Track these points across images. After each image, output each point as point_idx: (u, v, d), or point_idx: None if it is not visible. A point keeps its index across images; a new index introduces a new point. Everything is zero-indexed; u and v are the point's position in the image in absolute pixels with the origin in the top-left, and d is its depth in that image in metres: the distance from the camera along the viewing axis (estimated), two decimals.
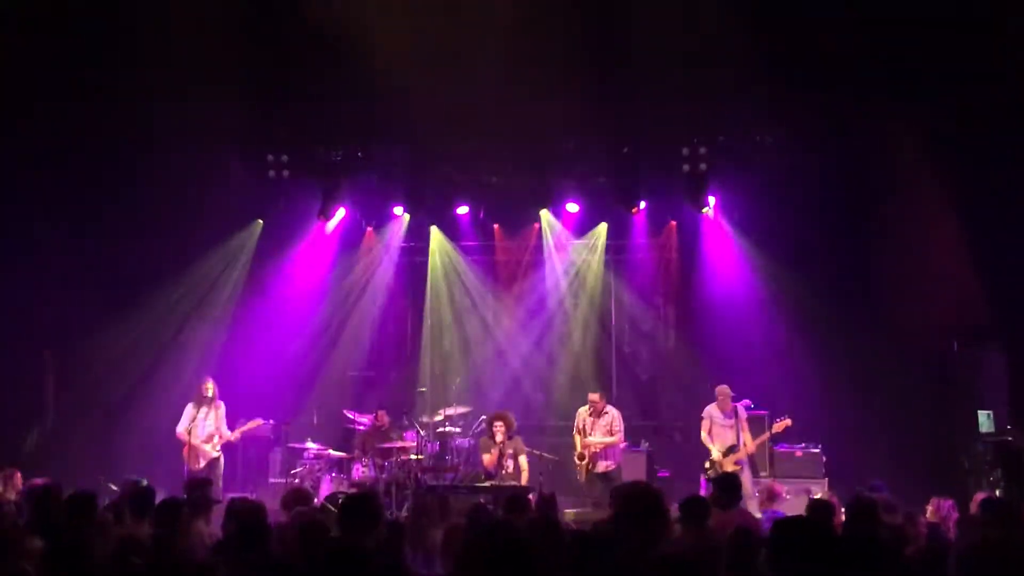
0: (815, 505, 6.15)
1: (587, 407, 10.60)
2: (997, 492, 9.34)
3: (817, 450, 10.88)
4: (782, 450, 10.92)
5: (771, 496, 8.04)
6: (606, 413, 10.54)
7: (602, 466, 10.41)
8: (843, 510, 8.09)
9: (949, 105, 9.73)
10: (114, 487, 9.04)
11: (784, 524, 3.02)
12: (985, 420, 10.42)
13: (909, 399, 11.28)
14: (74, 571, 4.20)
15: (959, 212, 10.63)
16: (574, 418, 11.15)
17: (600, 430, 10.47)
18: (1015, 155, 9.64)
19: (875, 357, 11.60)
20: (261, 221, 12.64)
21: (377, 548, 5.05)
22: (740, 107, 10.07)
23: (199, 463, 10.41)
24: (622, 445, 10.72)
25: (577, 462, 10.50)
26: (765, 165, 11.54)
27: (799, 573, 2.82)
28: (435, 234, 13.34)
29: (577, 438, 10.56)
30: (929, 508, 7.32)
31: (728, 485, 6.71)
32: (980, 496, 7.59)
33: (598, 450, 10.43)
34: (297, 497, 6.42)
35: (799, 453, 10.88)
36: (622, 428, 10.57)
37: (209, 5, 9.52)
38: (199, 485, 7.35)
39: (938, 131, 10.23)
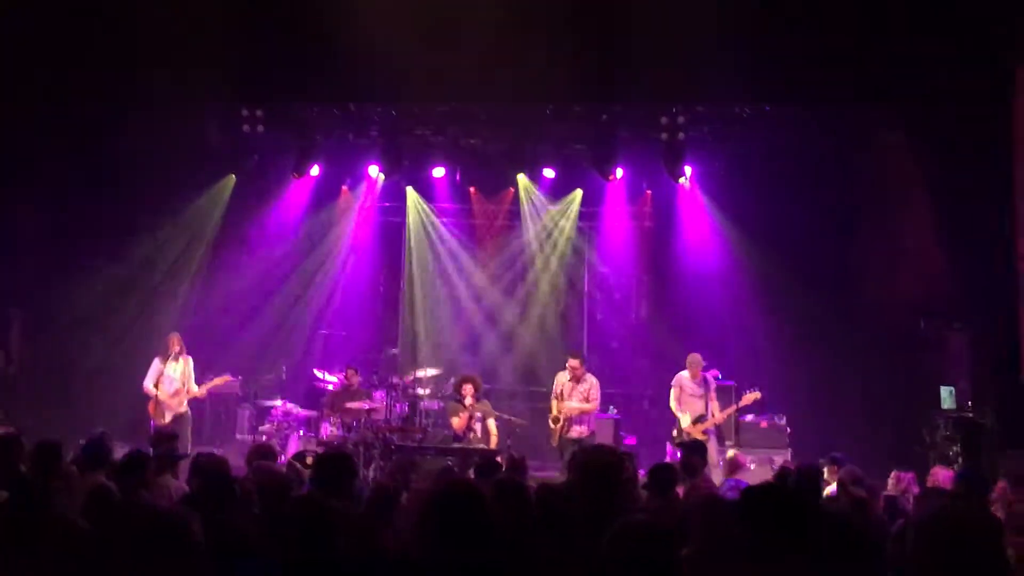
0: (783, 472, 6.20)
1: (566, 372, 10.62)
2: (955, 467, 9.50)
3: (782, 422, 11.01)
4: (748, 420, 11.04)
5: (734, 466, 8.13)
6: (584, 380, 10.56)
7: (575, 431, 10.46)
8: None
9: (922, 87, 9.77)
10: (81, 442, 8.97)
11: (754, 491, 3.04)
12: (947, 396, 10.58)
13: (875, 374, 11.46)
14: (37, 520, 4.17)
15: (928, 192, 10.73)
16: (544, 384, 11.21)
17: (577, 396, 10.50)
18: (983, 136, 9.73)
19: (843, 332, 11.75)
20: (234, 176, 12.50)
21: (366, 511, 5.07)
22: (720, 77, 10.02)
23: (165, 418, 10.33)
24: (598, 412, 10.81)
25: (551, 425, 10.53)
26: (743, 137, 11.57)
27: (772, 539, 2.84)
28: (411, 195, 13.30)
29: (554, 403, 10.58)
30: (890, 481, 7.45)
31: (695, 449, 6.78)
32: (939, 470, 7.73)
33: (573, 415, 10.48)
34: (261, 452, 6.40)
35: (764, 424, 11.00)
36: (599, 397, 10.61)
37: None
38: (165, 439, 7.30)
39: (910, 113, 10.30)
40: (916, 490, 7.03)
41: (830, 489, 6.93)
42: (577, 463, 4.56)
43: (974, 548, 2.69)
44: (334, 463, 4.89)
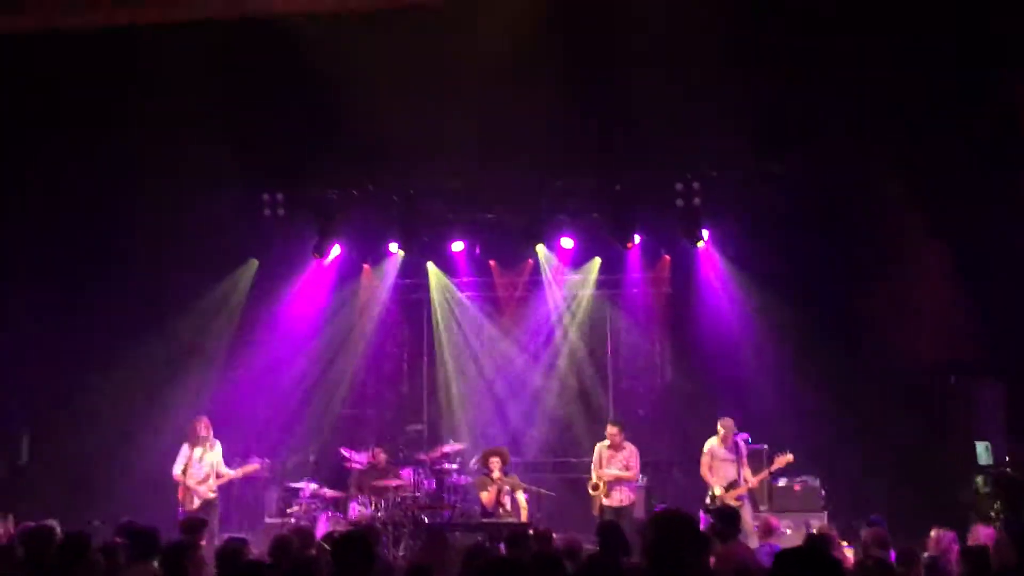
0: (813, 538, 6.11)
1: (606, 441, 10.59)
2: (996, 524, 9.28)
3: (816, 483, 10.82)
4: (781, 485, 10.86)
5: (768, 530, 8.00)
6: (624, 448, 10.55)
7: (616, 499, 10.39)
8: (843, 543, 8.07)
9: (941, 139, 9.82)
10: (97, 523, 8.97)
11: (786, 555, 3.00)
12: (983, 452, 10.40)
13: (907, 432, 11.25)
14: None
15: (952, 245, 10.69)
16: (571, 455, 11.14)
17: (617, 464, 10.47)
18: (1005, 187, 9.72)
19: (872, 390, 11.59)
20: (256, 260, 12.65)
21: None
22: (733, 142, 10.15)
23: (194, 504, 10.29)
24: (637, 482, 10.72)
25: (591, 492, 10.46)
26: (758, 199, 11.59)
27: None
28: (432, 270, 13.38)
29: (594, 471, 10.56)
30: (930, 540, 7.28)
31: (727, 517, 6.68)
32: (981, 528, 7.56)
33: (611, 482, 10.39)
34: (294, 539, 6.37)
35: (798, 487, 10.82)
36: (638, 465, 10.60)
37: (203, 46, 9.59)
38: (195, 526, 7.28)
39: (930, 165, 10.32)
40: (956, 549, 6.87)
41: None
42: (658, 524, 4.38)
43: None
44: (350, 545, 4.86)
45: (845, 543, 8.26)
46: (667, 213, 11.76)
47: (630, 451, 10.54)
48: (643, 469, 11.65)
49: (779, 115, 9.81)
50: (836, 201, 11.52)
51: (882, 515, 8.18)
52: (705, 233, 11.92)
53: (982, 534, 7.28)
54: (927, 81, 9.23)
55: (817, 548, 5.05)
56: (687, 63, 9.25)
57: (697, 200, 11.33)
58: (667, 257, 12.99)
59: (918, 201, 10.94)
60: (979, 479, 10.17)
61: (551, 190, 11.84)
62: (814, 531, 8.43)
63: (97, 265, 11.71)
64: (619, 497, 10.42)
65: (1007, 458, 10.17)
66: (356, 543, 4.89)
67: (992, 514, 9.75)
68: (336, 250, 12.69)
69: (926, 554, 6.92)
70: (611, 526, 6.43)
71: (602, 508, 10.38)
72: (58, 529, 6.33)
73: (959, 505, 10.31)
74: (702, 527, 9.11)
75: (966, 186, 9.97)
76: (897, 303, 11.61)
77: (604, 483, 10.41)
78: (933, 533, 7.30)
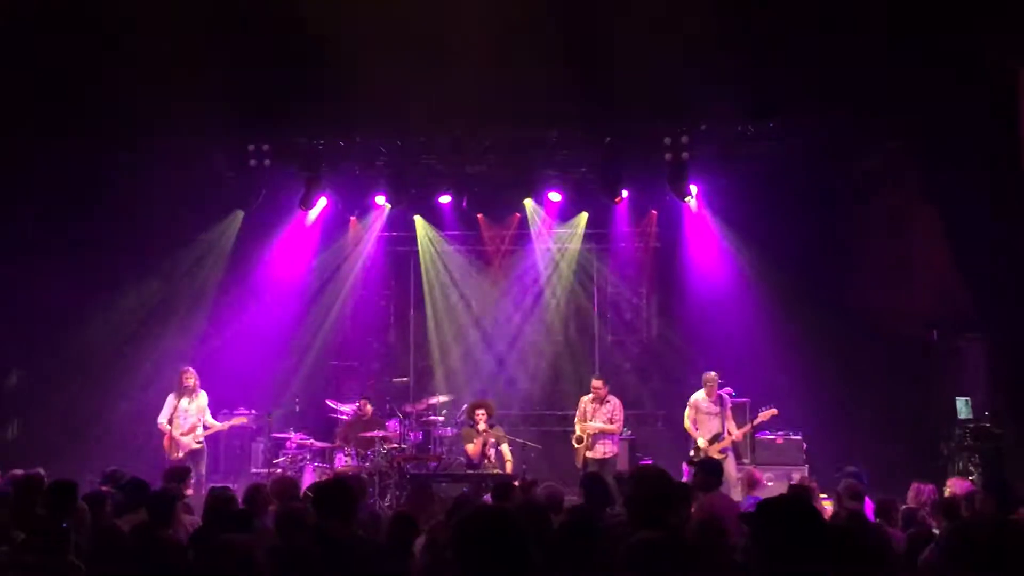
0: (795, 489, 6.20)
1: (590, 394, 10.67)
2: (972, 478, 9.44)
3: (798, 437, 10.97)
4: (763, 437, 11.00)
5: (751, 482, 8.10)
6: (607, 401, 10.63)
7: (599, 451, 10.51)
8: (823, 496, 8.20)
9: (931, 96, 9.78)
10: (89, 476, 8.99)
11: (768, 504, 3.04)
12: (963, 407, 10.52)
13: (890, 387, 11.39)
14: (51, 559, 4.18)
15: (940, 203, 10.70)
16: (557, 408, 11.22)
17: (601, 417, 10.56)
18: (994, 146, 9.71)
19: (856, 345, 11.70)
20: (242, 212, 12.56)
21: (388, 539, 5.07)
22: (723, 96, 10.08)
23: (179, 453, 10.36)
24: (620, 435, 10.84)
25: (575, 445, 10.59)
26: (747, 154, 11.57)
27: (783, 553, 2.84)
28: (420, 223, 13.35)
29: (578, 424, 10.66)
30: (910, 493, 7.40)
31: (710, 468, 6.77)
32: (956, 481, 7.68)
33: (595, 435, 10.50)
34: (282, 486, 6.41)
35: (780, 440, 10.96)
36: (622, 418, 10.70)
37: (183, 4, 9.45)
38: (177, 475, 7.33)
39: (920, 122, 10.29)
40: (935, 500, 6.99)
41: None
42: (636, 480, 4.47)
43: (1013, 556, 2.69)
44: (333, 491, 4.89)
45: (824, 495, 8.39)
46: (656, 168, 11.72)
47: (614, 404, 10.62)
48: (628, 422, 11.77)
49: (770, 70, 9.73)
50: (825, 159, 11.51)
51: (862, 468, 8.28)
52: (693, 188, 11.90)
53: (957, 487, 7.40)
54: (921, 42, 9.17)
55: (799, 497, 5.13)
56: (679, 16, 9.15)
57: (686, 155, 11.27)
58: (655, 212, 13.00)
59: (909, 159, 10.95)
60: (958, 433, 10.31)
61: (540, 143, 11.77)
62: (795, 482, 8.55)
63: (82, 216, 11.60)
64: (603, 450, 10.53)
65: (986, 413, 10.29)
66: (337, 490, 4.93)
67: (970, 467, 9.89)
68: (322, 202, 12.61)
69: (905, 506, 7.03)
70: (594, 478, 6.50)
71: (586, 460, 10.49)
72: (45, 477, 6.36)
73: (939, 459, 10.46)
74: (685, 479, 9.26)
75: (955, 146, 9.95)
76: (882, 259, 11.68)
77: (588, 436, 10.52)
78: (913, 486, 7.42)
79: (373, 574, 4.07)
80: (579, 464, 10.53)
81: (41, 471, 6.71)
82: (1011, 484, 7.19)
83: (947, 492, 7.27)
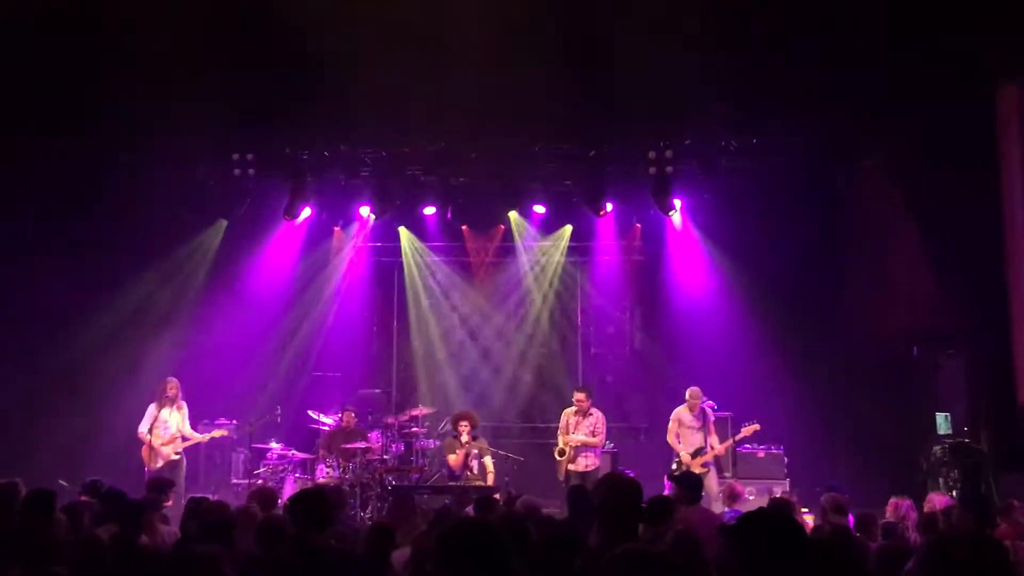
0: (776, 502, 6.22)
1: (573, 407, 10.65)
2: (953, 493, 9.49)
3: (780, 451, 11.00)
4: (745, 451, 11.03)
5: (732, 496, 8.12)
6: (590, 414, 10.60)
7: (582, 464, 10.48)
8: (803, 509, 8.23)
9: (911, 112, 9.89)
10: (63, 483, 8.92)
11: (749, 517, 3.05)
12: (943, 422, 10.59)
13: (870, 402, 11.45)
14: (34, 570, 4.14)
15: (920, 220, 10.81)
16: (540, 420, 11.20)
17: (583, 430, 10.53)
18: (974, 163, 9.81)
19: (837, 361, 11.78)
20: (225, 221, 12.53)
21: (365, 550, 5.05)
22: (707, 111, 10.15)
23: (158, 463, 10.29)
24: (603, 448, 10.82)
25: (557, 458, 10.54)
26: (731, 169, 11.65)
27: (763, 566, 2.85)
28: (404, 234, 13.35)
29: (560, 436, 10.60)
30: (888, 508, 7.44)
31: (690, 482, 6.79)
32: (935, 496, 7.71)
33: (578, 448, 10.48)
34: (262, 496, 6.38)
35: (762, 454, 11.00)
36: (604, 432, 10.67)
37: (177, 7, 9.43)
38: (161, 486, 7.29)
39: (899, 139, 10.39)
40: (914, 516, 7.02)
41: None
42: (605, 488, 4.47)
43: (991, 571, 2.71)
44: (309, 502, 4.87)
45: (805, 509, 8.43)
46: (640, 182, 11.78)
47: (597, 417, 10.62)
48: (611, 435, 11.77)
49: (755, 86, 9.81)
50: (808, 174, 11.60)
51: (842, 483, 8.32)
52: (677, 203, 11.96)
53: (936, 502, 7.44)
54: (907, 56, 9.27)
55: (779, 510, 5.15)
56: (665, 31, 9.22)
57: (670, 169, 11.34)
58: (639, 226, 13.05)
59: (889, 176, 11.04)
60: (937, 448, 10.37)
61: (525, 156, 11.80)
62: (777, 495, 8.58)
63: (64, 225, 11.53)
64: (585, 463, 10.51)
65: (965, 428, 10.37)
66: (315, 500, 4.91)
67: (949, 482, 9.95)
68: (307, 212, 12.59)
69: (884, 521, 7.06)
70: (580, 491, 6.48)
71: (568, 473, 10.47)
72: (22, 487, 6.29)
73: (918, 474, 10.52)
74: (667, 492, 9.28)
75: (936, 164, 10.05)
76: (865, 276, 11.76)
77: (571, 448, 10.49)
78: (891, 501, 7.46)
79: None
80: (561, 477, 10.51)
81: (17, 481, 6.64)
82: (989, 499, 7.25)
83: (926, 507, 7.31)
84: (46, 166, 11.03)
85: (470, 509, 7.06)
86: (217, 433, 10.88)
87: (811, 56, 9.49)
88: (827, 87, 9.72)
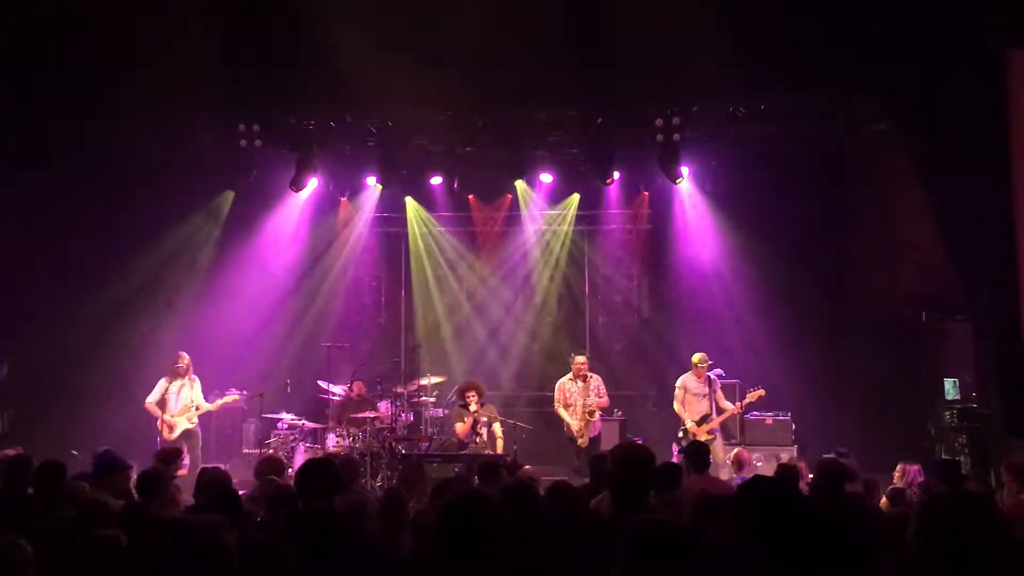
0: (782, 469, 6.23)
1: (568, 376, 10.63)
2: (961, 457, 9.52)
3: (787, 418, 11.02)
4: (753, 418, 11.06)
5: (740, 463, 8.15)
6: (591, 378, 10.61)
7: (595, 428, 10.53)
8: (810, 475, 8.25)
9: (918, 77, 9.79)
10: (75, 453, 9.03)
11: (750, 484, 3.06)
12: (951, 388, 10.60)
13: (879, 368, 11.45)
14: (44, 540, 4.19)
15: (929, 185, 10.72)
16: (547, 388, 11.19)
17: (592, 395, 10.52)
18: (983, 127, 9.72)
19: (845, 327, 11.77)
20: (232, 192, 12.52)
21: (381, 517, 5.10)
22: (714, 78, 10.07)
23: (171, 434, 10.40)
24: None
25: (588, 419, 10.44)
26: (738, 136, 11.56)
27: (765, 532, 2.87)
28: (411, 204, 13.33)
29: (563, 411, 10.56)
30: (896, 473, 7.47)
31: (697, 450, 6.81)
32: (908, 466, 7.75)
33: (597, 411, 10.45)
34: (269, 465, 6.43)
35: (769, 421, 11.02)
36: (606, 390, 10.68)
37: None
38: (170, 455, 7.35)
39: (907, 104, 10.29)
40: (921, 480, 7.05)
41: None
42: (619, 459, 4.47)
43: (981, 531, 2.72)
44: (317, 471, 4.91)
45: (812, 476, 8.43)
46: (647, 149, 11.71)
47: (597, 379, 10.66)
48: (619, 403, 11.84)
49: (763, 52, 9.72)
50: (816, 140, 11.51)
51: (851, 448, 8.34)
52: (684, 170, 11.91)
53: (910, 470, 7.46)
54: (915, 21, 9.16)
55: (780, 477, 5.16)
56: None
57: (677, 136, 11.27)
58: (646, 193, 13.00)
59: (898, 141, 10.95)
60: (946, 414, 10.38)
61: (532, 124, 11.74)
62: (783, 463, 8.60)
63: (69, 198, 11.53)
64: (596, 428, 10.58)
65: (973, 394, 10.37)
66: (318, 469, 4.94)
67: (957, 448, 9.97)
68: (313, 183, 12.57)
69: (892, 486, 7.10)
70: (602, 459, 6.46)
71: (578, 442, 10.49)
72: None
73: (926, 440, 10.54)
74: (675, 460, 9.31)
75: (946, 128, 9.95)
76: (874, 242, 11.71)
77: (590, 419, 10.44)
78: (899, 466, 7.49)
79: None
80: (586, 443, 10.45)
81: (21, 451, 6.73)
82: (954, 463, 7.36)
83: (901, 478, 7.35)
84: (47, 137, 11.00)
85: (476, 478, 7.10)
86: (229, 399, 11.01)
87: (818, 22, 9.39)
88: (834, 53, 9.62)
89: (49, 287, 11.53)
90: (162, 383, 10.61)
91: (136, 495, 5.76)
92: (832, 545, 2.85)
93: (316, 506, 3.96)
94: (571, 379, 10.61)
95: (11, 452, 7.10)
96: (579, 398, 10.50)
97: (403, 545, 4.81)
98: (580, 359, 10.65)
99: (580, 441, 10.44)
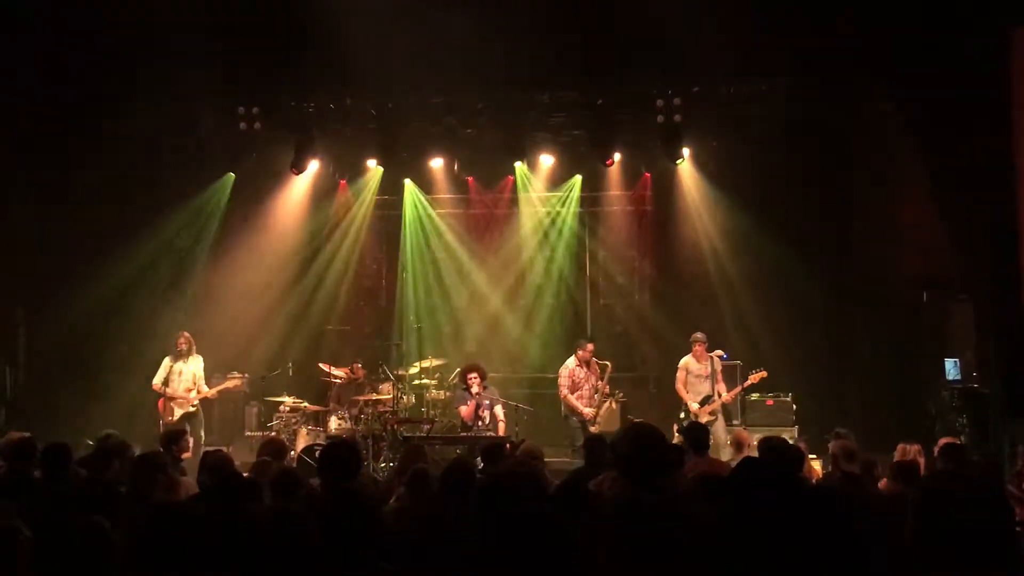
0: (765, 443, 6.18)
1: (574, 360, 10.63)
2: (962, 438, 9.53)
3: (788, 399, 11.04)
4: (754, 399, 11.08)
5: (740, 444, 8.17)
6: (594, 363, 10.64)
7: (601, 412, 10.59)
8: (811, 456, 8.29)
9: (921, 56, 9.74)
10: (90, 442, 9.03)
11: (747, 463, 3.08)
12: (952, 368, 10.61)
13: (880, 349, 11.47)
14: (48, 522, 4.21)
15: (930, 165, 10.69)
16: (548, 370, 11.20)
17: (599, 380, 10.56)
18: (986, 107, 9.68)
19: (846, 308, 11.77)
20: (233, 175, 12.52)
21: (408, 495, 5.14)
22: (716, 59, 10.03)
23: (174, 415, 10.45)
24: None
25: (598, 411, 10.48)
26: (740, 117, 11.54)
27: (760, 511, 2.88)
28: (408, 187, 13.31)
29: (570, 396, 10.57)
30: (896, 453, 7.48)
31: (698, 431, 6.83)
32: (943, 441, 7.76)
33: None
34: (272, 448, 6.46)
35: (770, 402, 11.03)
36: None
37: None
38: (173, 436, 7.38)
39: (910, 83, 10.25)
40: (923, 461, 7.07)
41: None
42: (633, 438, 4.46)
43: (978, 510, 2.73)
44: (341, 452, 4.93)
45: (813, 456, 8.48)
46: (648, 130, 11.69)
47: (603, 363, 10.70)
48: (621, 385, 11.85)
49: (764, 32, 9.67)
50: (818, 121, 11.48)
51: (851, 428, 8.36)
52: (686, 151, 11.89)
53: (911, 450, 7.48)
54: (918, 4, 9.12)
55: (771, 460, 5.17)
56: None
57: (678, 117, 11.24)
58: (647, 175, 12.98)
59: (899, 122, 10.91)
60: (946, 394, 10.40)
61: (532, 105, 11.70)
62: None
63: (71, 181, 11.53)
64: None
65: (974, 374, 10.38)
66: (342, 450, 4.97)
67: (957, 428, 9.99)
68: (313, 165, 12.56)
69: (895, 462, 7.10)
70: (599, 441, 6.49)
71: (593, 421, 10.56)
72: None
73: (927, 419, 10.56)
74: (676, 441, 9.33)
75: (948, 108, 9.91)
76: (874, 223, 11.70)
77: (600, 408, 10.49)
78: (899, 446, 7.50)
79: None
80: (597, 428, 10.45)
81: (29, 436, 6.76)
82: (959, 446, 7.40)
83: (936, 453, 7.36)
84: (50, 120, 10.99)
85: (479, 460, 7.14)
86: (229, 383, 11.04)
87: (820, 3, 9.35)
88: (835, 32, 9.58)
89: (52, 271, 11.54)
90: (166, 363, 10.68)
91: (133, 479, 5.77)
92: (824, 527, 2.85)
93: (344, 488, 3.97)
94: (578, 364, 10.64)
95: (16, 435, 7.12)
96: (587, 382, 10.54)
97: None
98: (590, 345, 10.69)
99: (594, 427, 10.48)
